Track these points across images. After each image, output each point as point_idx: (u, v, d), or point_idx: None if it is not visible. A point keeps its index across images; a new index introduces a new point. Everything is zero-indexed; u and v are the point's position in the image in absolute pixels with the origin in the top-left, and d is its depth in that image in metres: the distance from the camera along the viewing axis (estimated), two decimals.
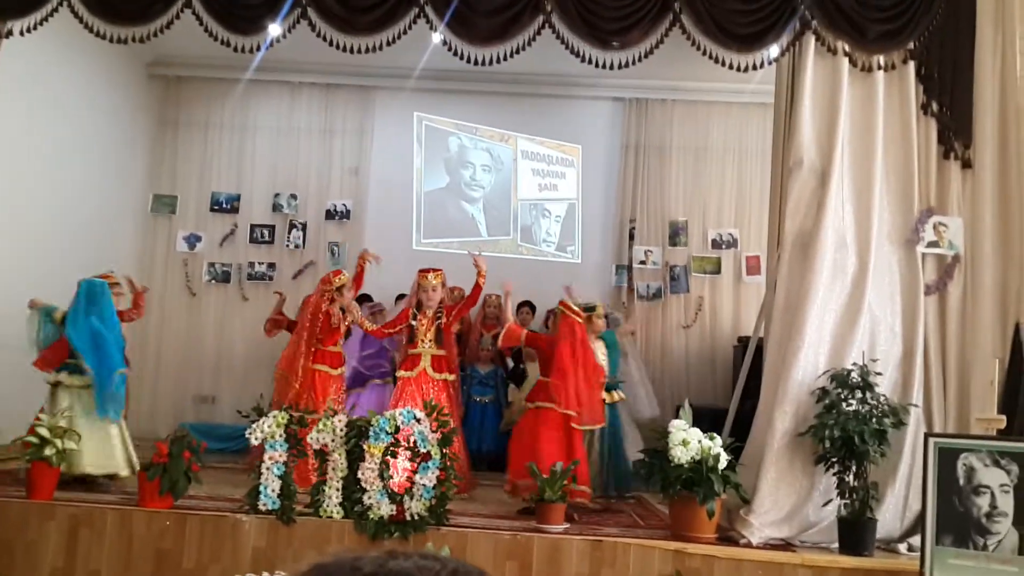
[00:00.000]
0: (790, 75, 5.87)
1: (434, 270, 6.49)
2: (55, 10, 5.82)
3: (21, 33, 5.97)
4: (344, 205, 9.54)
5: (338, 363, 6.75)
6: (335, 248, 9.42)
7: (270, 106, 9.72)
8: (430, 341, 6.35)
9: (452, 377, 6.39)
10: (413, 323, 6.37)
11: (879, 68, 5.63)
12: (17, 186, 7.18)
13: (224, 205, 9.55)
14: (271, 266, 9.43)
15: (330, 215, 9.53)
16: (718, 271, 9.17)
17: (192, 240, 9.45)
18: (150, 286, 8.93)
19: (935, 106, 5.70)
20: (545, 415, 5.62)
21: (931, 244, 5.55)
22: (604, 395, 5.72)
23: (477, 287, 6.42)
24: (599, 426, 5.89)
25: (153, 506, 4.90)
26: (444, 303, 6.50)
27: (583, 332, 5.83)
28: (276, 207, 9.55)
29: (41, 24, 5.91)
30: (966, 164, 5.69)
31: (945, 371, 5.48)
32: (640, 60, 5.71)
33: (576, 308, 5.89)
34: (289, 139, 9.66)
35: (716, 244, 9.24)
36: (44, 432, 5.07)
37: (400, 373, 6.37)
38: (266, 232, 9.50)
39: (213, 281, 9.34)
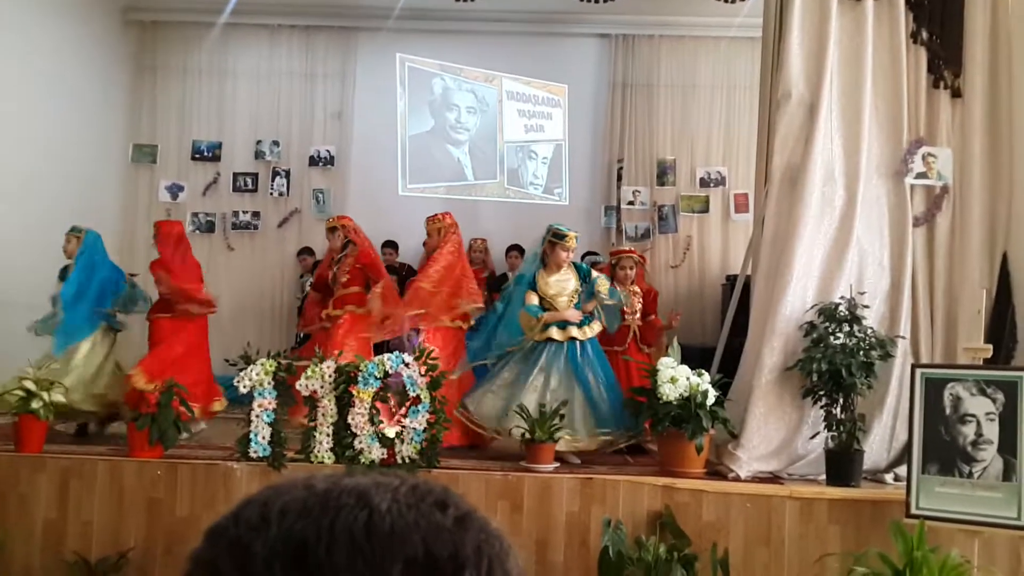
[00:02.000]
0: (778, 6, 5.75)
1: (436, 216, 6.45)
2: None
3: None
4: (328, 151, 9.41)
5: None
6: (320, 195, 9.32)
7: (249, 50, 9.52)
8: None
9: (461, 324, 6.32)
10: None
11: None
12: None
13: (206, 153, 9.42)
14: (255, 215, 9.34)
15: (313, 161, 9.40)
16: (706, 210, 9.12)
17: (174, 190, 9.34)
18: (133, 237, 8.90)
19: (925, 34, 5.61)
20: None
21: (920, 175, 5.51)
22: (576, 331, 5.52)
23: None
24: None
25: (143, 456, 4.90)
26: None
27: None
28: (259, 154, 9.42)
29: None
30: (956, 93, 5.62)
31: (932, 302, 5.49)
32: None
33: None
34: (270, 84, 9.49)
35: (704, 182, 9.17)
36: (30, 385, 5.05)
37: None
38: (249, 180, 9.39)
39: (197, 231, 9.24)
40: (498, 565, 0.62)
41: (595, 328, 5.55)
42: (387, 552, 0.59)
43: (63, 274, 6.13)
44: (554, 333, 5.44)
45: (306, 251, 8.90)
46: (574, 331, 5.47)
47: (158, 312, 6.08)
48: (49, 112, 7.81)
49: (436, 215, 6.45)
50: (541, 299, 5.54)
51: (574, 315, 5.49)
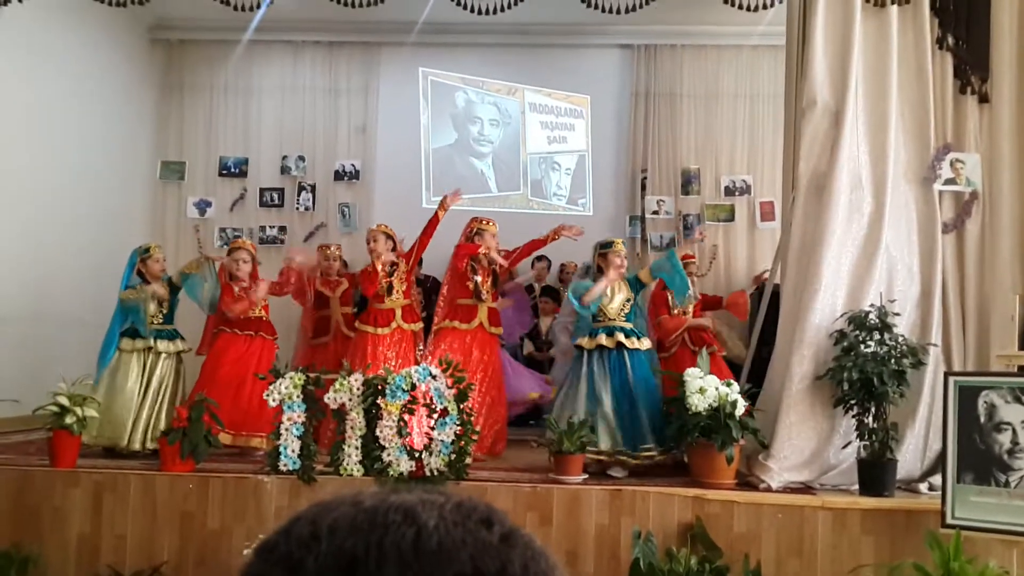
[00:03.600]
0: (801, 13, 5.73)
1: (490, 220, 6.44)
2: None
3: (20, 0, 5.91)
4: (352, 165, 9.48)
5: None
6: (345, 209, 9.39)
7: (274, 67, 9.63)
8: (488, 293, 6.19)
9: (499, 330, 6.31)
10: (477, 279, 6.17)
11: (892, 2, 5.48)
12: (22, 159, 7.17)
13: (232, 169, 9.52)
14: (282, 229, 9.42)
15: (339, 176, 9.48)
16: (732, 218, 9.08)
17: (202, 206, 9.44)
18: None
19: (951, 40, 5.57)
20: None
21: (948, 181, 5.46)
22: (624, 340, 5.51)
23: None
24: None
25: (175, 470, 4.95)
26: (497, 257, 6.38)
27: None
28: (284, 169, 9.51)
29: None
30: (983, 98, 5.57)
31: (964, 309, 5.43)
32: (647, 3, 5.58)
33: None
34: (294, 100, 9.59)
35: (729, 191, 9.14)
36: (64, 401, 5.11)
37: (457, 324, 6.13)
38: (276, 195, 9.48)
39: (225, 246, 9.32)
40: None
41: (645, 343, 5.55)
42: (436, 569, 0.60)
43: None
44: (603, 340, 5.44)
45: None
46: (621, 337, 5.44)
47: None
48: (78, 131, 7.95)
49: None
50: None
51: (614, 276, 5.50)
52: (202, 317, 6.34)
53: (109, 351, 5.88)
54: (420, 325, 6.49)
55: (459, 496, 0.67)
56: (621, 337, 5.43)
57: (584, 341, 5.52)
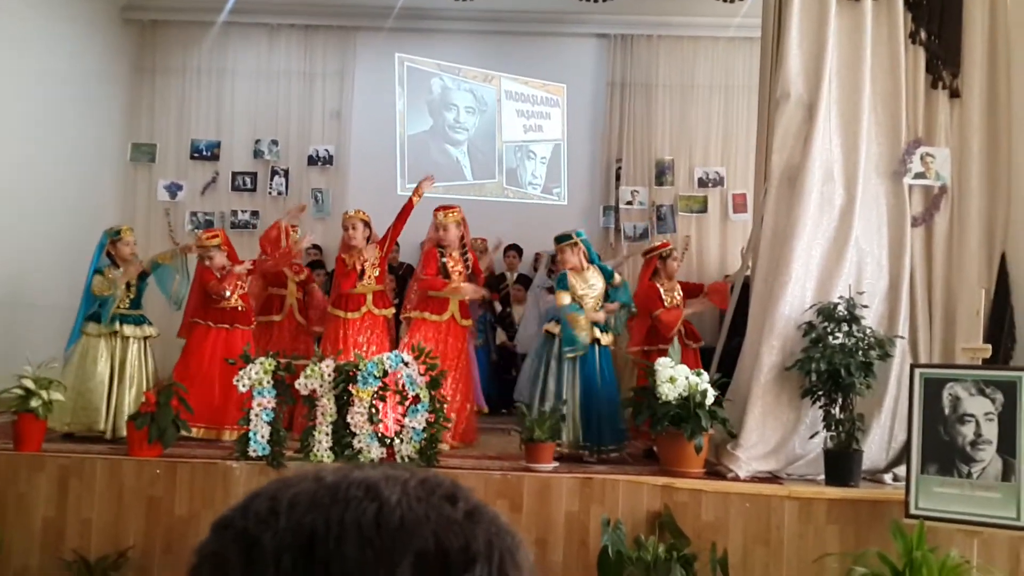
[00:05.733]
0: (777, 6, 5.76)
1: (451, 207, 6.34)
2: None
3: None
4: (327, 150, 9.40)
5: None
6: (318, 195, 9.31)
7: (248, 50, 9.51)
8: (458, 276, 6.11)
9: (469, 323, 6.31)
10: (444, 261, 6.12)
11: None
12: None
13: (204, 152, 9.40)
14: (254, 214, 9.32)
15: (312, 161, 9.38)
16: (704, 210, 9.12)
17: (173, 189, 9.32)
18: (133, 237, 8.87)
19: (923, 34, 5.62)
20: None
21: (918, 175, 5.52)
22: (599, 334, 5.55)
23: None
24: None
25: (142, 455, 4.90)
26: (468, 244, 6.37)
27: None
28: (257, 153, 9.40)
29: None
30: (954, 93, 5.64)
31: (931, 302, 5.50)
32: None
33: None
34: (268, 84, 9.48)
35: (703, 182, 9.17)
36: (29, 384, 5.04)
37: (428, 316, 6.05)
38: (248, 179, 9.37)
39: (196, 230, 9.21)
40: (509, 558, 0.62)
41: (609, 337, 5.62)
42: (397, 544, 0.59)
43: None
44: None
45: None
46: (597, 333, 5.50)
47: None
48: (47, 111, 7.80)
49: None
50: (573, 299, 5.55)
51: (601, 317, 5.56)
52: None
53: (75, 335, 5.81)
54: (392, 311, 6.47)
55: (424, 472, 0.66)
56: (597, 332, 5.47)
57: (553, 327, 5.53)
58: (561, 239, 5.73)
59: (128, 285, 5.93)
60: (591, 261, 5.71)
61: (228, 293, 5.98)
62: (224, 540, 0.62)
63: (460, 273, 6.11)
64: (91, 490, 4.80)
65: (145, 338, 5.94)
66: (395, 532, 0.59)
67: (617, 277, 5.77)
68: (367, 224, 6.39)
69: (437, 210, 6.30)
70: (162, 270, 6.10)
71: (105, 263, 5.93)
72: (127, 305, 5.91)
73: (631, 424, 5.56)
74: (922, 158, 5.53)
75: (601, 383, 5.45)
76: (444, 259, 6.13)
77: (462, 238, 6.28)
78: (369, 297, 6.25)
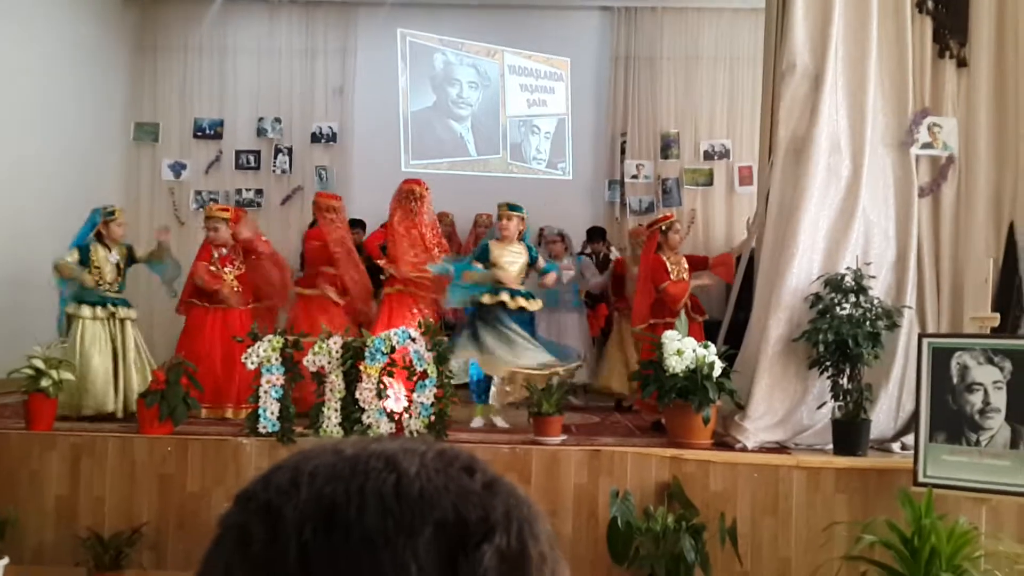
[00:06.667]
0: None
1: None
2: None
3: None
4: (330, 128, 9.37)
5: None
6: (322, 172, 9.29)
7: (249, 27, 9.46)
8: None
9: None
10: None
11: None
12: None
13: (208, 131, 9.38)
14: (259, 192, 9.32)
15: (316, 138, 9.37)
16: (710, 183, 9.09)
17: (177, 168, 9.31)
18: (137, 216, 8.89)
19: (930, 3, 5.57)
20: None
21: (925, 145, 5.49)
22: (508, 300, 5.67)
23: None
24: None
25: (153, 432, 4.93)
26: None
27: None
28: (260, 132, 9.38)
29: None
30: (961, 63, 5.59)
31: (939, 272, 5.49)
32: None
33: None
34: (270, 61, 9.44)
35: (708, 155, 9.14)
36: (40, 364, 5.07)
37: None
38: (252, 158, 9.36)
39: (201, 209, 9.21)
40: (527, 528, 0.63)
41: (534, 305, 5.84)
42: (417, 514, 0.59)
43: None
44: (487, 298, 5.69)
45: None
46: (522, 301, 5.73)
47: None
48: (49, 91, 7.78)
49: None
50: (492, 266, 5.79)
51: (511, 279, 5.76)
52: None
53: (62, 315, 5.86)
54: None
55: (441, 444, 0.67)
56: (522, 301, 5.71)
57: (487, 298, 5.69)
58: (512, 207, 5.95)
59: (119, 268, 5.96)
60: (522, 239, 5.96)
61: (207, 283, 6.03)
62: (247, 512, 0.62)
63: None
64: (103, 468, 4.83)
65: (133, 320, 6.00)
66: (415, 502, 0.60)
67: (541, 261, 6.06)
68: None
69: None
70: (154, 264, 6.24)
71: (91, 241, 5.92)
72: (116, 289, 5.95)
73: (637, 398, 5.58)
74: (929, 128, 5.50)
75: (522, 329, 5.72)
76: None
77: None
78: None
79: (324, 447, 0.66)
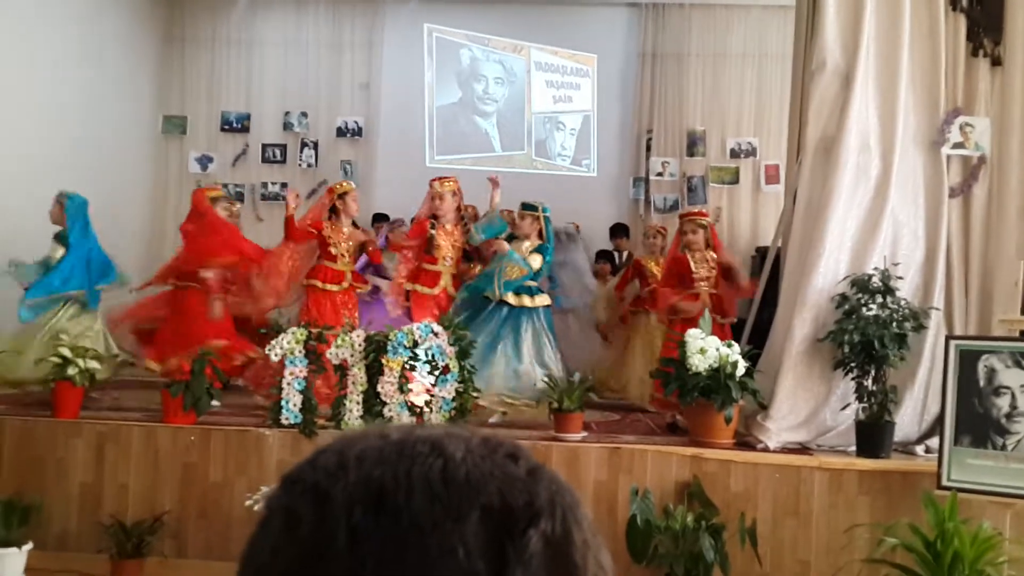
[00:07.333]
0: None
1: (446, 177, 6.31)
2: None
3: None
4: (355, 122, 9.42)
5: None
6: (348, 166, 9.34)
7: (277, 21, 9.52)
8: (451, 258, 6.08)
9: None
10: (433, 233, 6.04)
11: None
12: (23, 113, 7.11)
13: (235, 125, 9.46)
14: (284, 186, 9.36)
15: (341, 132, 9.42)
16: (736, 181, 9.04)
17: (204, 161, 9.40)
18: (164, 208, 8.98)
19: (964, 1, 5.48)
20: None
21: (956, 145, 5.41)
22: (513, 298, 5.67)
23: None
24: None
25: (177, 422, 4.98)
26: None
27: None
28: (287, 125, 9.44)
29: None
30: (995, 61, 5.50)
31: (967, 274, 5.41)
32: None
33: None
34: (297, 55, 9.49)
35: (734, 153, 9.08)
36: (66, 352, 5.13)
37: (420, 288, 6.05)
38: (278, 151, 9.43)
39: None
40: (571, 515, 0.64)
41: (543, 299, 5.83)
42: (464, 499, 0.60)
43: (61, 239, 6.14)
44: (510, 298, 5.68)
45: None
46: (525, 299, 5.70)
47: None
48: (79, 84, 7.87)
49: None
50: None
51: (503, 247, 5.82)
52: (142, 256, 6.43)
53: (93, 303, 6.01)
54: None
55: (484, 431, 0.68)
56: (525, 299, 5.71)
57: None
58: (526, 206, 5.95)
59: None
60: (541, 236, 5.93)
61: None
62: (294, 494, 0.63)
63: (454, 246, 6.11)
64: (127, 456, 4.89)
65: None
66: (462, 487, 0.60)
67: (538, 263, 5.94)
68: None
69: (433, 180, 6.27)
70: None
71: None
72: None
73: (658, 396, 5.55)
74: (961, 128, 5.42)
75: (540, 344, 5.74)
76: (434, 231, 6.05)
77: (458, 208, 6.24)
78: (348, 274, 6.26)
79: (367, 431, 0.67)
